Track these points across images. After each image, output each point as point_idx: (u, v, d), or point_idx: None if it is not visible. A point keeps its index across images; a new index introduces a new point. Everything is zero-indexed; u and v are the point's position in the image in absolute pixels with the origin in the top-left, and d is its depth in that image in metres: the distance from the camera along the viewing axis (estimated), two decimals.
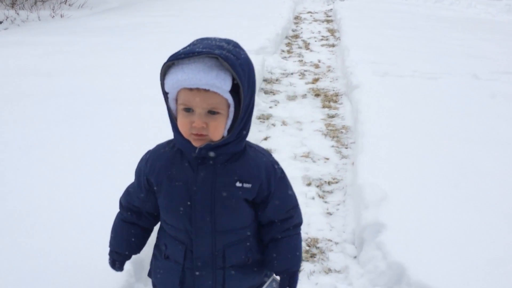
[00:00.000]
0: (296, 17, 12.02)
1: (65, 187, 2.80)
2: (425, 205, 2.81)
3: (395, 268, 2.34)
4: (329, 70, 6.83)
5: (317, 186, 3.56)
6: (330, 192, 3.50)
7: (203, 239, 1.31)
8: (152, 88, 4.65)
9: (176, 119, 1.23)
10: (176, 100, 1.20)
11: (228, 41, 1.20)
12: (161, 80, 1.20)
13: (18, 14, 11.00)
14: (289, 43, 8.76)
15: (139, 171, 1.39)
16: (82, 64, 5.76)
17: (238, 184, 1.27)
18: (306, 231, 2.96)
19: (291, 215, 1.40)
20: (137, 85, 4.84)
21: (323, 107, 5.31)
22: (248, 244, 1.38)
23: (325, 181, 3.64)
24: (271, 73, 6.43)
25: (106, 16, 11.15)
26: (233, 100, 1.17)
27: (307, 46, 8.51)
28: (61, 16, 11.33)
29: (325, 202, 3.36)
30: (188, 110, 1.16)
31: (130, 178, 1.47)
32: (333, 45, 8.55)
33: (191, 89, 1.13)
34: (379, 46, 7.31)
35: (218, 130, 1.18)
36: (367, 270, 2.49)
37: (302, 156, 4.04)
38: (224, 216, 1.29)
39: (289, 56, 7.68)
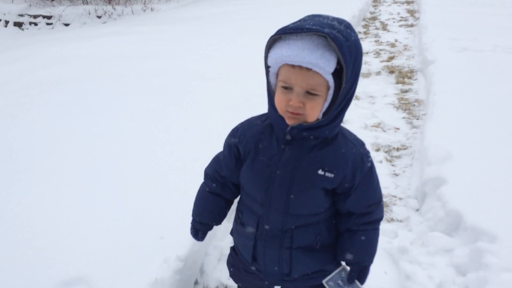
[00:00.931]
0: (375, 0, 11.90)
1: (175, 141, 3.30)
2: (485, 164, 2.93)
3: (453, 215, 2.52)
4: (405, 49, 6.84)
5: (386, 152, 3.75)
6: (398, 157, 3.68)
7: (275, 216, 1.33)
8: (235, 67, 5.13)
9: (274, 93, 1.22)
10: (277, 75, 1.19)
11: (341, 21, 1.14)
12: (265, 53, 1.18)
13: (114, 9, 12.13)
14: (366, 24, 8.80)
15: (229, 140, 1.40)
16: (173, 48, 6.37)
17: (320, 172, 1.25)
18: None
19: (371, 211, 1.36)
20: (223, 65, 5.31)
21: (397, 83, 5.40)
22: (318, 229, 1.37)
23: (394, 148, 3.81)
24: None
25: (191, 7, 11.91)
26: (334, 83, 1.13)
27: (384, 27, 8.50)
28: (151, 10, 12.31)
29: (392, 165, 3.55)
30: (287, 88, 1.15)
31: (217, 146, 1.58)
32: (411, 25, 8.45)
33: (293, 66, 1.10)
34: (460, 23, 7.14)
35: (314, 111, 1.16)
36: (426, 218, 2.69)
37: (372, 126, 4.24)
38: (299, 200, 1.29)
39: (366, 37, 7.76)
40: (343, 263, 1.45)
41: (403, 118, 4.42)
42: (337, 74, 1.11)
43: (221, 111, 3.85)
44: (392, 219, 2.85)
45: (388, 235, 2.66)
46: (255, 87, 3.93)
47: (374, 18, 9.45)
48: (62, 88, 4.69)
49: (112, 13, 11.86)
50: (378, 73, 5.80)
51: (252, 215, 1.38)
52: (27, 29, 11.88)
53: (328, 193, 1.31)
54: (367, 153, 1.32)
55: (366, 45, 7.13)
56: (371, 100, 4.90)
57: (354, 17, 8.23)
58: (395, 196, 3.11)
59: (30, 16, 11.99)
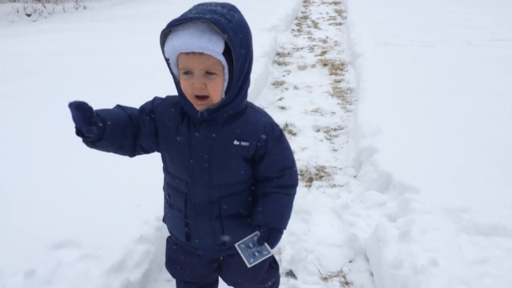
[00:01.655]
0: (305, 1, 12.59)
1: None
2: (409, 135, 3.47)
3: (384, 175, 3.00)
4: (336, 44, 7.46)
5: (325, 132, 4.22)
6: (336, 136, 4.16)
7: (201, 190, 1.40)
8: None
9: (179, 82, 1.30)
10: (178, 65, 1.28)
11: (224, 5, 1.25)
12: (161, 47, 1.26)
13: (45, 7, 11.78)
14: (298, 23, 9.39)
15: (147, 108, 1.42)
16: (110, 45, 6.48)
17: (235, 142, 1.35)
18: (316, 161, 3.64)
19: (284, 174, 1.45)
20: (154, 59, 5.53)
21: (330, 74, 5.94)
22: (243, 196, 1.46)
23: (332, 128, 4.30)
24: (283, 48, 7.09)
25: (124, 6, 11.89)
26: (227, 62, 1.23)
27: (315, 25, 9.13)
28: (84, 8, 12.09)
29: (331, 143, 4.02)
30: (188, 72, 1.24)
31: None
32: (340, 24, 9.15)
33: (187, 53, 1.20)
34: (382, 21, 7.90)
35: (216, 90, 1.26)
36: (363, 181, 3.17)
37: (311, 111, 4.71)
38: (221, 171, 1.37)
39: (299, 34, 8.31)
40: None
41: (338, 104, 4.93)
42: (229, 53, 1.21)
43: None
44: (334, 185, 3.30)
45: (332, 197, 3.10)
46: None
47: (306, 17, 10.07)
48: (12, 82, 4.70)
49: (42, 11, 11.51)
50: (313, 66, 6.32)
51: (180, 194, 1.44)
52: None
53: (248, 162, 1.40)
54: (275, 123, 1.43)
55: (300, 41, 7.67)
56: (308, 90, 5.38)
57: (288, 16, 8.77)
58: (336, 167, 3.57)
59: None
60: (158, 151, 1.46)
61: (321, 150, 3.86)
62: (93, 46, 6.40)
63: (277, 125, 1.43)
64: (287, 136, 4.03)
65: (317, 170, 3.51)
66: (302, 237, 2.64)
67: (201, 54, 1.18)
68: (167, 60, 1.28)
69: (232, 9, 1.25)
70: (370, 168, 3.18)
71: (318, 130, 4.25)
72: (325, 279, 2.39)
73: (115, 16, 9.72)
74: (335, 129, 4.28)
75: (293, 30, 8.65)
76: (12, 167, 2.97)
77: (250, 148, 1.36)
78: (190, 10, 1.22)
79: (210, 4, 1.25)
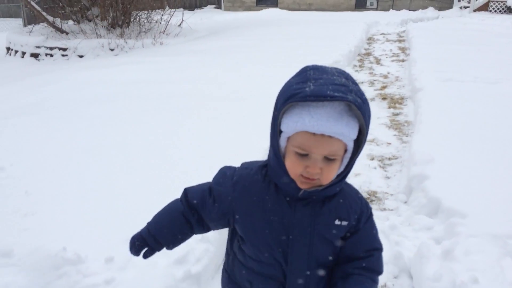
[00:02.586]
0: (369, 38, 12.82)
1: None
2: (461, 164, 3.57)
3: (433, 201, 3.12)
4: (396, 80, 7.59)
5: (379, 160, 4.37)
6: (389, 164, 4.29)
7: (298, 275, 1.27)
8: (241, 91, 5.78)
9: (283, 156, 1.16)
10: (288, 138, 1.12)
11: (346, 76, 1.11)
12: (279, 117, 1.10)
13: (126, 42, 12.96)
14: (361, 59, 9.62)
15: (220, 190, 1.30)
16: (185, 75, 7.08)
17: (337, 222, 1.24)
18: (368, 187, 3.80)
19: (370, 255, 1.29)
20: (229, 89, 5.99)
21: (389, 107, 6.08)
22: (327, 278, 1.33)
23: (386, 157, 4.44)
24: None
25: (198, 42, 12.77)
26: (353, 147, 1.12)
27: (378, 61, 9.31)
28: (160, 44, 13.14)
29: (385, 171, 4.16)
30: (303, 155, 1.10)
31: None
32: (402, 60, 9.26)
33: (314, 134, 1.05)
34: (446, 58, 7.94)
35: (331, 175, 1.13)
36: (412, 206, 3.29)
37: (367, 141, 4.87)
38: (321, 254, 1.26)
39: (361, 70, 8.53)
40: None
41: (394, 135, 5.06)
42: (358, 137, 1.09)
43: (229, 125, 4.49)
44: (384, 209, 3.44)
45: (381, 219, 3.23)
46: (258, 108, 4.61)
47: (368, 54, 10.29)
48: (93, 106, 5.32)
49: (124, 46, 12.66)
50: (372, 99, 6.49)
51: (270, 281, 1.30)
52: (43, 60, 12.61)
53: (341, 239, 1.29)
54: (367, 200, 1.34)
55: (361, 76, 7.89)
56: None
57: (350, 52, 9.05)
58: (387, 193, 3.71)
59: (47, 48, 12.77)
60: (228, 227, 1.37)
61: (373, 176, 4.01)
62: (166, 76, 7.02)
63: (368, 203, 1.33)
64: None
65: (368, 194, 3.67)
66: None
67: (331, 137, 1.04)
68: (279, 131, 1.12)
69: (355, 81, 1.10)
70: (420, 194, 3.29)
71: (372, 159, 4.41)
72: None
73: (189, 51, 10.51)
74: (389, 159, 4.42)
75: (355, 66, 8.89)
76: (96, 171, 3.41)
77: (348, 227, 1.25)
78: (315, 79, 1.06)
79: (332, 72, 1.09)
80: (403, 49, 10.71)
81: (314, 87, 1.03)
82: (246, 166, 1.32)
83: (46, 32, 13.69)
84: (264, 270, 1.29)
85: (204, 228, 1.39)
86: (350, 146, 1.09)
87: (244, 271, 1.34)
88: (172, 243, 1.40)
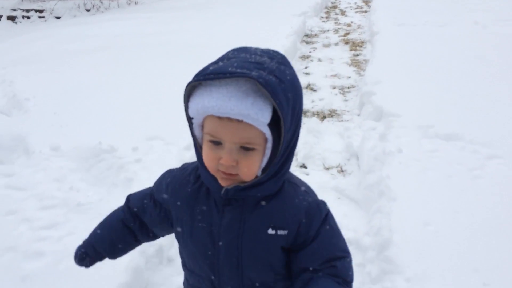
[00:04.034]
0: None
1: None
2: (401, 84, 4.47)
3: (378, 109, 4.01)
4: (358, 27, 8.41)
5: (340, 89, 5.24)
6: (348, 92, 5.17)
7: None
8: (216, 39, 6.48)
9: (201, 147, 1.01)
10: (202, 126, 0.98)
11: (272, 55, 0.97)
12: (184, 103, 0.97)
13: (102, 2, 13.29)
14: (327, 11, 10.37)
15: (158, 190, 1.21)
16: (168, 28, 7.71)
17: (270, 231, 1.04)
18: (329, 107, 4.67)
19: (331, 265, 1.06)
20: (207, 39, 6.70)
21: (350, 50, 6.92)
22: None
23: (346, 87, 5.31)
24: (311, 31, 8.12)
25: (170, 1, 13.21)
26: (272, 134, 0.94)
27: (343, 13, 10.08)
28: (135, 3, 13.52)
29: (344, 96, 5.04)
30: (216, 142, 0.95)
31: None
32: (365, 11, 10.05)
33: (220, 118, 0.90)
34: (402, 6, 8.79)
35: (251, 169, 0.97)
36: (363, 115, 4.19)
37: (331, 76, 5.73)
38: (253, 268, 1.08)
39: (327, 20, 9.31)
40: None
41: (353, 71, 5.93)
42: (275, 122, 0.93)
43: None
44: (342, 120, 4.33)
45: (338, 126, 4.14)
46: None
47: (335, 7, 11.03)
48: (89, 55, 5.97)
49: (100, 6, 13.01)
50: (336, 44, 7.32)
51: None
52: (20, 22, 12.86)
53: (286, 252, 1.10)
54: (322, 201, 1.11)
55: (327, 25, 8.68)
56: (330, 61, 6.39)
57: (317, 4, 9.77)
58: (345, 110, 4.60)
59: (23, 10, 12.99)
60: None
61: (335, 100, 4.89)
62: (153, 29, 7.63)
63: (324, 204, 1.11)
64: (308, 92, 5.10)
65: (329, 111, 4.55)
66: (313, 145, 3.70)
67: (239, 122, 0.90)
68: (190, 119, 0.99)
69: (283, 62, 0.97)
70: (369, 106, 4.19)
71: (334, 88, 5.28)
72: (327, 169, 3.44)
73: (165, 8, 11.03)
74: (348, 87, 5.29)
75: (322, 17, 9.64)
76: (110, 96, 4.16)
77: (289, 237, 1.06)
78: (228, 58, 0.95)
79: (255, 52, 0.97)
80: (366, 2, 11.47)
81: (219, 65, 0.92)
82: (185, 166, 1.19)
83: None
84: (196, 283, 1.18)
85: (150, 235, 1.28)
86: (268, 133, 0.93)
87: (185, 280, 1.25)
88: (112, 253, 1.29)
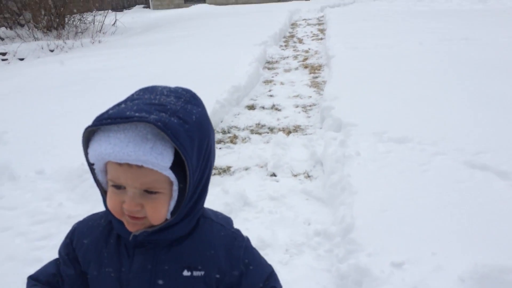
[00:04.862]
0: (293, 24, 14.26)
1: None
2: (356, 99, 4.91)
3: (337, 121, 4.40)
4: (316, 53, 8.98)
5: (302, 107, 5.65)
6: (310, 109, 5.58)
7: None
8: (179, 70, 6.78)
9: (106, 193, 0.95)
10: (105, 172, 0.93)
11: (180, 94, 0.94)
12: (83, 148, 0.91)
13: (65, 43, 13.48)
14: (286, 40, 10.98)
15: (65, 244, 1.10)
16: (133, 62, 8.02)
17: (185, 273, 0.98)
18: (294, 123, 5.05)
19: (271, 284, 1.10)
20: (173, 71, 7.05)
21: (310, 73, 7.42)
22: None
23: (307, 105, 5.73)
24: (272, 58, 8.62)
25: (136, 37, 13.58)
26: (178, 176, 0.89)
27: (300, 41, 10.71)
28: (99, 42, 13.78)
29: (306, 113, 5.44)
30: (119, 187, 0.90)
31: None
32: (321, 39, 10.71)
33: (120, 164, 0.86)
34: (354, 33, 9.48)
35: (158, 213, 0.92)
36: (324, 128, 4.57)
37: (293, 96, 6.15)
38: None
39: (286, 48, 9.87)
40: None
41: (314, 91, 6.38)
42: (180, 164, 0.88)
43: None
44: (306, 134, 4.70)
45: (302, 139, 4.49)
46: (204, 79, 5.72)
47: (292, 36, 11.68)
48: (63, 89, 6.18)
49: (63, 47, 13.18)
50: (296, 68, 7.81)
51: None
52: None
53: None
54: (237, 230, 1.10)
55: (287, 52, 9.22)
56: (292, 84, 6.84)
57: (276, 34, 10.36)
58: (308, 125, 4.98)
59: None
60: None
61: (298, 117, 5.28)
62: (119, 63, 7.93)
63: (239, 232, 1.10)
64: (273, 112, 5.48)
65: (294, 127, 4.93)
66: (281, 156, 4.02)
67: (140, 167, 0.86)
68: (91, 164, 0.93)
69: (190, 100, 0.95)
70: (329, 119, 4.59)
71: (297, 107, 5.69)
72: (295, 175, 3.77)
73: (127, 44, 11.38)
74: (309, 106, 5.71)
75: (281, 45, 10.21)
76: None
77: (208, 278, 1.01)
78: (132, 100, 0.92)
79: (161, 92, 0.95)
80: (321, 30, 12.20)
81: (118, 109, 0.88)
82: (97, 212, 1.13)
83: None
84: None
85: None
86: (172, 176, 0.89)
87: None
88: None
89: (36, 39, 13.80)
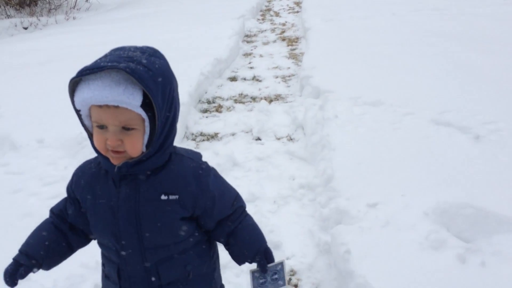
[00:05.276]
0: None
1: None
2: (333, 68, 5.21)
3: (316, 89, 4.71)
4: (292, 26, 9.21)
5: (282, 78, 5.93)
6: (290, 79, 5.87)
7: (132, 257, 1.27)
8: (162, 45, 6.86)
9: (92, 136, 1.17)
10: (90, 117, 1.15)
11: (144, 50, 1.16)
12: (70, 98, 1.13)
13: (39, 20, 13.28)
14: (263, 14, 11.15)
15: (69, 186, 1.34)
16: (110, 39, 8.10)
17: (163, 197, 1.22)
18: (275, 92, 5.33)
19: (236, 207, 1.39)
20: (155, 46, 7.19)
21: (287, 45, 7.67)
22: (186, 258, 1.32)
23: (287, 76, 6.01)
24: (250, 31, 8.81)
25: (111, 13, 13.46)
26: (148, 114, 1.11)
27: (277, 14, 10.90)
28: (73, 18, 13.62)
29: (286, 83, 5.73)
30: (102, 127, 1.11)
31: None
32: (297, 12, 10.93)
33: (100, 106, 1.08)
34: (329, 5, 9.72)
35: (135, 146, 1.14)
36: (303, 95, 4.88)
37: (273, 68, 6.41)
38: (152, 232, 1.24)
39: (263, 21, 10.06)
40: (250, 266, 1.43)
41: (292, 62, 6.65)
42: (149, 104, 1.09)
43: None
44: (286, 101, 5.00)
45: (284, 106, 4.80)
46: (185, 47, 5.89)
47: (269, 10, 11.84)
48: (43, 66, 6.28)
49: (37, 24, 13.00)
50: (274, 41, 8.05)
51: (111, 264, 1.32)
52: None
53: (188, 221, 1.29)
54: (203, 162, 1.32)
55: (264, 26, 9.42)
56: (271, 56, 7.09)
57: (253, 8, 10.51)
58: (288, 94, 5.28)
59: None
60: None
61: (278, 87, 5.56)
62: (100, 39, 8.00)
63: (204, 163, 1.32)
64: (254, 83, 5.74)
65: (275, 96, 5.22)
66: (264, 122, 4.32)
67: (116, 107, 1.07)
68: (77, 111, 1.15)
69: (154, 54, 1.17)
70: (308, 87, 4.89)
71: (277, 77, 5.96)
72: (278, 139, 4.08)
73: (107, 20, 11.33)
74: (289, 76, 5.99)
75: (258, 19, 10.39)
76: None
77: (183, 202, 1.24)
78: (105, 56, 1.13)
79: (129, 49, 1.16)
80: (297, 3, 12.39)
81: (95, 62, 1.09)
82: (86, 160, 1.35)
83: None
84: (108, 253, 1.33)
85: (81, 236, 1.38)
86: (143, 114, 1.10)
87: (101, 255, 1.38)
88: (46, 258, 1.32)
89: (8, 16, 13.55)
